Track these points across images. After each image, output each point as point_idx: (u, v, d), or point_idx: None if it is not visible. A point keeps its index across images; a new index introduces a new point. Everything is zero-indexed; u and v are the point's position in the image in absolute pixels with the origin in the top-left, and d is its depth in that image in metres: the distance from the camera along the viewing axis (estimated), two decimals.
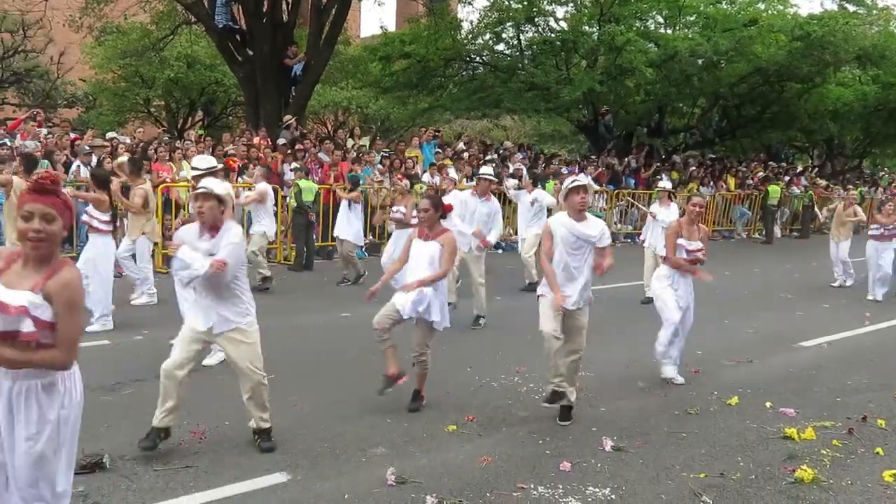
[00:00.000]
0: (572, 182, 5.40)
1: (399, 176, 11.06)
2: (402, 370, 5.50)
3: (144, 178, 9.00)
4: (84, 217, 7.83)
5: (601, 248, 5.40)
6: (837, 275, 12.18)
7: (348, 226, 10.69)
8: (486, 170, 9.30)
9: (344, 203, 10.81)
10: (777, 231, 19.80)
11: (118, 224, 7.74)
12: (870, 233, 11.36)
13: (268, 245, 10.54)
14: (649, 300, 9.07)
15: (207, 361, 6.52)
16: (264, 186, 9.79)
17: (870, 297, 10.93)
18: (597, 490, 4.33)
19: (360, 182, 10.90)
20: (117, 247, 8.05)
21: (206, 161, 6.98)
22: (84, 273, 7.28)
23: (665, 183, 11.06)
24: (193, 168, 7.11)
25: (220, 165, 7.67)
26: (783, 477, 4.58)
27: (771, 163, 23.58)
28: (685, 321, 6.47)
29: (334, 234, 11.18)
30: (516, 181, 12.10)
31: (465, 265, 8.68)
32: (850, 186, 21.77)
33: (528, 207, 10.63)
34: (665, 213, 9.90)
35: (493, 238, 8.64)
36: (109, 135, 13.82)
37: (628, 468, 4.61)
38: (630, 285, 10.96)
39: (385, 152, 15.43)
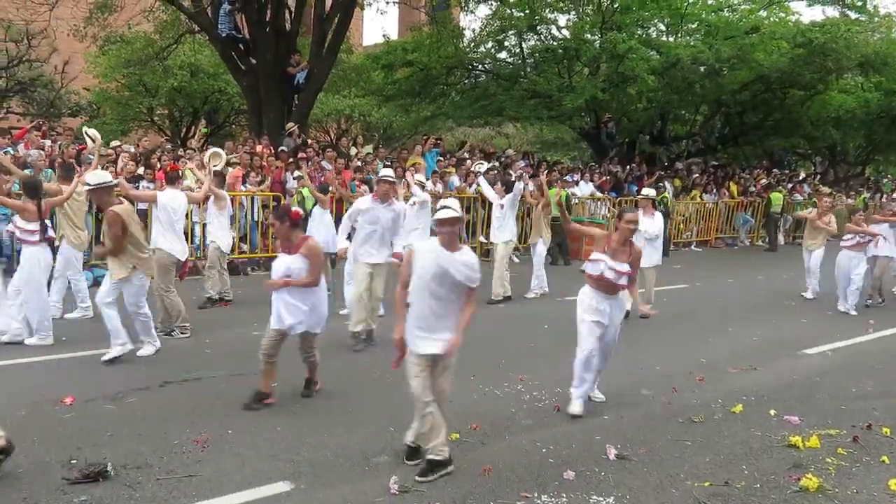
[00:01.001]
0: (441, 209, 4.57)
1: (357, 183, 10.79)
2: (270, 391, 5.65)
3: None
4: (9, 227, 7.56)
5: (470, 289, 4.51)
6: (811, 285, 11.55)
7: (316, 234, 10.20)
8: (387, 171, 8.14)
9: (316, 211, 10.36)
10: (780, 238, 19.77)
11: (47, 234, 7.05)
12: (842, 243, 10.64)
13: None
14: (645, 316, 8.96)
15: (142, 353, 6.82)
16: (223, 193, 9.31)
17: (841, 309, 10.44)
18: (601, 499, 4.31)
19: (329, 190, 10.55)
20: (54, 255, 7.60)
21: (97, 177, 6.72)
22: (15, 287, 7.10)
23: (648, 191, 10.48)
24: (86, 184, 6.79)
25: (114, 181, 7.01)
26: (788, 485, 4.56)
27: (774, 170, 23.57)
28: (605, 342, 5.78)
29: None
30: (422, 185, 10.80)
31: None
32: (853, 193, 21.77)
33: (499, 213, 10.43)
34: (648, 224, 9.32)
35: (398, 248, 7.60)
36: (113, 143, 13.85)
37: (632, 477, 4.59)
38: None
39: (387, 161, 15.45)
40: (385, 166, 14.37)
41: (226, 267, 9.59)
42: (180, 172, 8.90)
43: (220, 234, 9.22)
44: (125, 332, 6.63)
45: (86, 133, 9.68)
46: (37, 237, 7.02)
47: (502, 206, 10.38)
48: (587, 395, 5.85)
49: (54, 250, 7.65)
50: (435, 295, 4.45)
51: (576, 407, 5.68)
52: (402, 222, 7.91)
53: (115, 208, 6.44)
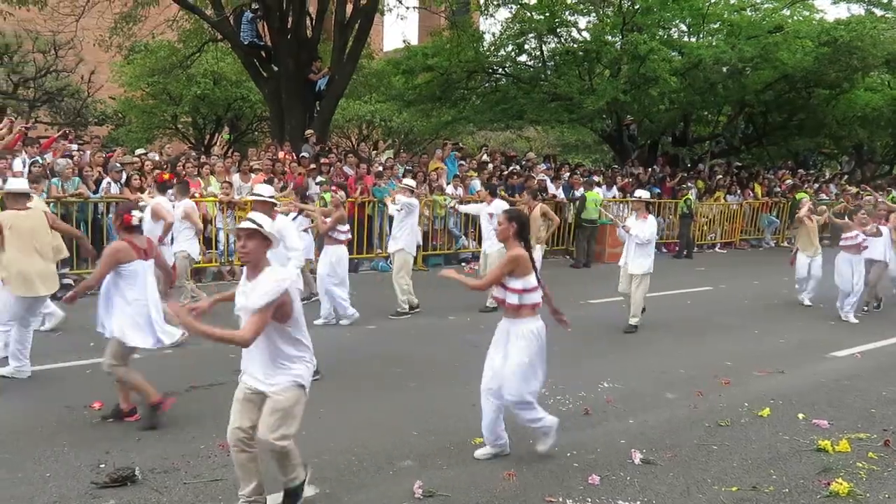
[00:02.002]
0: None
1: (333, 188, 10.49)
2: (164, 394, 5.36)
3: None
4: None
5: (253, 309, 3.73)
6: (808, 291, 11.03)
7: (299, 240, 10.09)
8: (262, 189, 7.17)
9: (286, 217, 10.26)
10: None
11: None
12: (841, 243, 10.10)
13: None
14: (633, 328, 8.85)
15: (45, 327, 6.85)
16: (190, 204, 8.74)
17: (844, 318, 9.84)
18: None
19: (306, 193, 10.47)
20: None
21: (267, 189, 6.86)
22: None
23: (641, 192, 9.80)
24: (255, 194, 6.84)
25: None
26: (818, 490, 4.49)
27: (799, 170, 23.28)
28: (500, 381, 4.81)
29: None
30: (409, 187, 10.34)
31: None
32: (882, 192, 21.41)
33: (488, 221, 9.97)
34: (641, 228, 8.77)
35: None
36: (138, 151, 14.04)
37: (658, 481, 4.55)
38: (658, 295, 10.87)
39: (409, 165, 15.50)
40: (406, 172, 14.47)
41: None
42: (174, 181, 8.88)
43: (188, 245, 8.87)
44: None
45: None
46: None
47: (492, 215, 9.86)
48: (501, 444, 4.96)
49: None
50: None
51: (483, 452, 4.95)
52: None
53: None
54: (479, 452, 4.93)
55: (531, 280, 4.79)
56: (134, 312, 5.28)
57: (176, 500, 4.17)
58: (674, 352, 7.92)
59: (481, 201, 11.16)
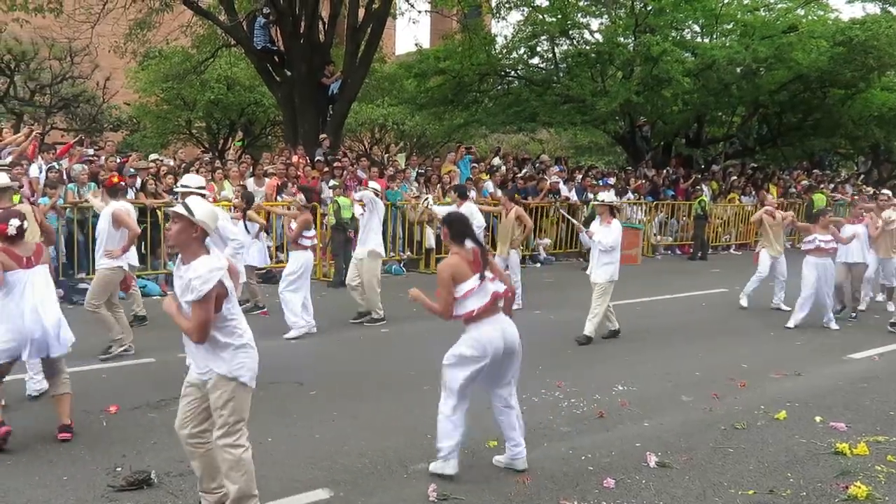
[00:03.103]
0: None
1: (294, 190, 10.27)
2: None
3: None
4: None
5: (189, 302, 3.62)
6: (780, 294, 10.64)
7: (235, 229, 9.19)
8: (192, 179, 7.21)
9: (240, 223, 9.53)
10: None
11: None
12: (803, 247, 9.55)
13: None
14: (612, 333, 8.51)
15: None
16: (123, 207, 7.69)
17: (789, 325, 9.28)
18: None
19: (254, 199, 10.10)
20: None
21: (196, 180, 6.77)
22: None
23: (605, 195, 9.25)
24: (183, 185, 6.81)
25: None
26: (836, 494, 4.45)
27: (814, 171, 23.10)
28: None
29: None
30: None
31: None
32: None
33: None
34: (605, 233, 8.26)
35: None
36: (152, 156, 14.15)
37: (674, 485, 4.52)
38: (673, 297, 10.82)
39: (421, 169, 15.53)
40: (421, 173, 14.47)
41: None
42: (123, 185, 8.28)
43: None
44: None
45: None
46: None
47: None
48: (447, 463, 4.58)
49: None
50: None
51: (438, 466, 4.59)
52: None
53: None
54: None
55: (467, 285, 4.46)
56: (5, 324, 4.93)
57: (191, 503, 4.19)
58: (689, 354, 7.87)
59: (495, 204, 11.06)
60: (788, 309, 10.05)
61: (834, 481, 4.60)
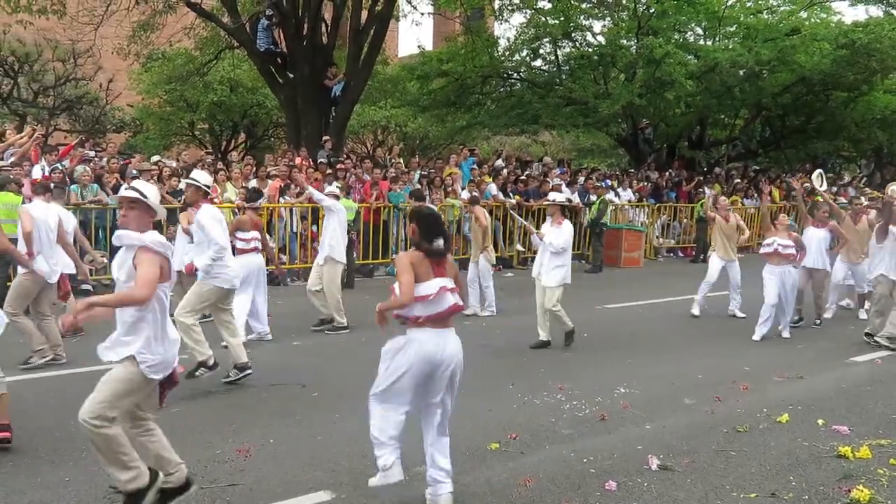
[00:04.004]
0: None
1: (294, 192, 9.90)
2: None
3: None
4: None
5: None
6: (736, 300, 10.25)
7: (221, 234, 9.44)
8: (201, 175, 6.84)
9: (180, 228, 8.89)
10: None
11: None
12: (762, 251, 9.10)
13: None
14: (543, 344, 8.06)
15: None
16: (29, 206, 7.20)
17: (755, 338, 8.70)
18: None
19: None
20: None
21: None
22: None
23: (555, 195, 8.76)
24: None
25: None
26: (838, 497, 4.44)
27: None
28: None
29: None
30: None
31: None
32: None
33: None
34: (555, 234, 7.89)
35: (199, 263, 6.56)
36: (154, 159, 14.18)
37: (676, 488, 4.52)
38: (674, 300, 10.80)
39: (424, 171, 15.54)
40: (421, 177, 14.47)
41: None
42: (50, 184, 7.90)
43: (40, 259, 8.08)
44: None
45: None
46: None
47: None
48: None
49: None
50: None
51: (377, 479, 4.26)
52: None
53: None
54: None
55: (426, 288, 4.06)
56: None
57: None
58: (691, 356, 7.86)
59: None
60: (744, 316, 9.90)
61: (836, 485, 4.59)
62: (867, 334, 8.61)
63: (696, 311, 10.13)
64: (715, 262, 10.21)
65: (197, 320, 6.38)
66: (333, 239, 8.62)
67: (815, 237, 9.42)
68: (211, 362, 6.28)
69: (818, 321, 9.75)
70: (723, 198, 10.73)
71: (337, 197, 9.04)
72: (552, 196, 8.60)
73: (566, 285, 8.09)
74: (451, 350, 4.13)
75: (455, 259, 12.88)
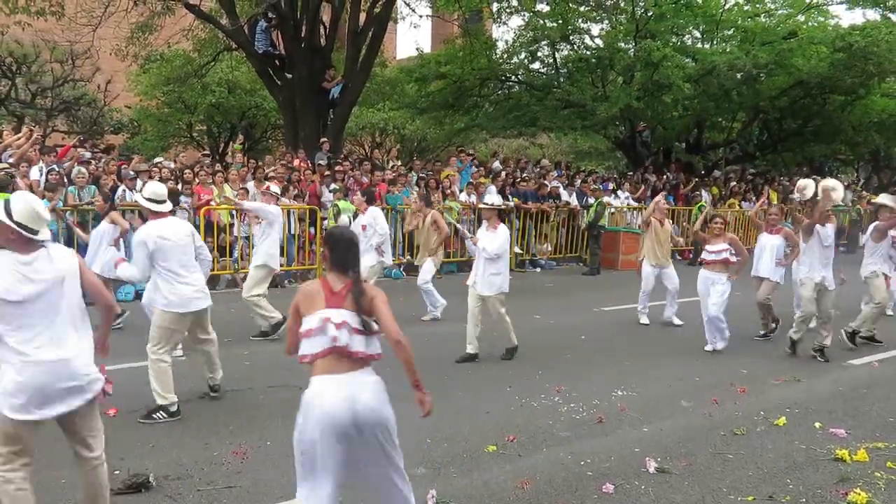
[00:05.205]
0: None
1: (241, 194, 9.40)
2: None
3: None
4: None
5: None
6: (672, 307, 9.68)
7: (95, 257, 8.48)
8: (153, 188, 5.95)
9: (99, 229, 8.72)
10: None
11: None
12: (701, 256, 8.57)
13: None
14: (468, 357, 7.49)
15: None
16: None
17: (707, 348, 8.19)
18: None
19: (114, 201, 9.18)
20: None
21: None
22: None
23: (492, 198, 8.14)
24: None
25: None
26: (835, 500, 4.44)
27: (815, 177, 23.12)
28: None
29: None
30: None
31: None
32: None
33: (362, 234, 8.76)
34: (490, 240, 7.38)
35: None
36: (157, 159, 14.17)
37: (673, 490, 4.52)
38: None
39: (422, 173, 15.54)
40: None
41: None
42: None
43: None
44: None
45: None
46: None
47: (365, 227, 8.94)
48: None
49: None
50: None
51: None
52: None
53: None
54: None
55: (309, 321, 3.33)
56: None
57: None
58: (688, 359, 7.86)
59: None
60: (681, 323, 9.60)
61: (833, 487, 4.60)
62: (816, 349, 7.92)
63: (643, 320, 9.66)
64: (647, 270, 9.70)
65: (167, 354, 5.65)
66: (272, 247, 8.21)
67: (768, 244, 8.77)
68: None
69: (762, 332, 9.02)
70: (662, 202, 10.22)
71: (277, 198, 8.53)
72: (488, 199, 8.03)
73: (506, 294, 7.55)
74: (366, 402, 3.27)
75: (455, 262, 12.46)
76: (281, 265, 11.70)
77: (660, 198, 10.55)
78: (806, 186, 8.28)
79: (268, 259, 8.18)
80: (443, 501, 4.28)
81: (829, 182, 7.95)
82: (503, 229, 7.50)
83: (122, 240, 8.71)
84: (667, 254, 9.71)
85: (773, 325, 9.06)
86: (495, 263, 7.39)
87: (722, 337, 8.23)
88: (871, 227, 8.65)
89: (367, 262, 8.71)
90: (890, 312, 9.99)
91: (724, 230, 8.53)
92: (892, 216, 8.33)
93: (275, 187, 8.91)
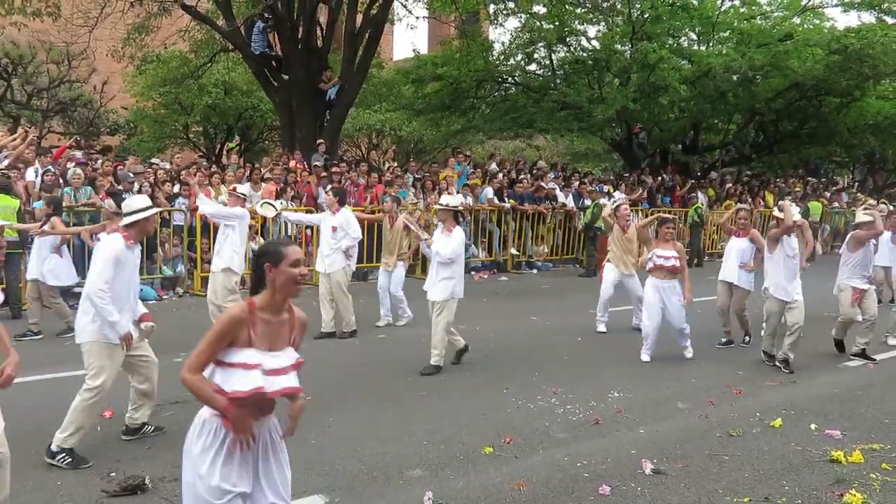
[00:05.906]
0: None
1: (102, 195, 8.77)
2: None
3: None
4: None
5: None
6: (640, 316, 8.78)
7: (40, 262, 8.33)
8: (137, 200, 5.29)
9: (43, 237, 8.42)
10: (818, 248, 19.40)
11: None
12: (647, 266, 8.07)
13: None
14: (433, 369, 7.12)
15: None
16: None
17: (644, 359, 7.79)
18: None
19: (61, 205, 8.79)
20: None
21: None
22: None
23: (448, 199, 7.74)
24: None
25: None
26: (830, 501, 4.45)
27: (810, 178, 23.19)
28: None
29: (27, 277, 8.69)
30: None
31: None
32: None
33: (330, 235, 8.51)
34: (444, 243, 7.09)
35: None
36: (154, 160, 14.15)
37: (669, 492, 4.52)
38: None
39: (419, 174, 15.55)
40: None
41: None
42: None
43: None
44: None
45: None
46: None
47: (336, 228, 8.56)
48: None
49: None
50: None
51: None
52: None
53: None
54: None
55: (236, 354, 2.90)
56: None
57: None
58: (685, 361, 7.87)
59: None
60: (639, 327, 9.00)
61: (829, 489, 4.61)
62: (782, 361, 7.56)
63: (601, 328, 9.28)
64: (607, 277, 9.28)
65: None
66: (235, 249, 7.95)
67: (734, 247, 8.48)
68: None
69: (747, 339, 8.80)
70: (625, 206, 9.69)
71: (245, 199, 8.22)
72: (444, 200, 7.64)
73: (459, 301, 7.26)
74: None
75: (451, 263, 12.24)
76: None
77: (622, 201, 10.08)
78: (783, 208, 8.00)
79: (231, 262, 7.97)
80: (440, 502, 4.28)
81: (786, 203, 7.74)
82: (458, 232, 7.19)
83: (64, 246, 8.64)
84: (632, 262, 9.26)
85: (746, 337, 8.79)
86: (448, 268, 7.08)
87: (688, 341, 7.98)
88: (849, 236, 8.40)
89: (337, 264, 8.55)
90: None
91: (674, 237, 8.26)
92: (871, 228, 8.15)
93: (242, 188, 8.55)
